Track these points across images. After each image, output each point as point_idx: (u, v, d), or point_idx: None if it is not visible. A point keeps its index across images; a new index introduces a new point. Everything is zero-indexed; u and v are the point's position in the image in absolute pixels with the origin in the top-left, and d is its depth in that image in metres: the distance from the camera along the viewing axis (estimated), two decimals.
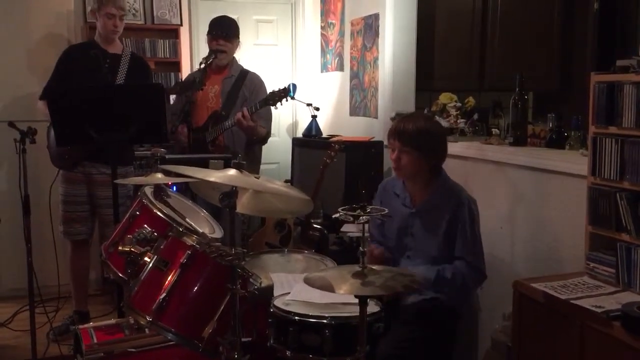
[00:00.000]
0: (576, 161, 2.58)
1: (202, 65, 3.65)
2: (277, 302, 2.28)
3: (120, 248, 2.18)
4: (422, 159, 2.50)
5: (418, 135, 2.48)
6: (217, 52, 3.72)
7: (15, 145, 2.88)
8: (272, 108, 3.62)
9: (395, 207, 2.59)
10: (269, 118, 3.80)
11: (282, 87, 3.51)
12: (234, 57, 3.89)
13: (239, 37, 3.86)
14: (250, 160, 3.74)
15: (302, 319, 2.18)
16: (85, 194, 3.61)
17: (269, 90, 3.67)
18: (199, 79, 3.60)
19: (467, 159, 3.24)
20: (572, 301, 2.14)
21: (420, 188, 2.57)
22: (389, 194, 2.67)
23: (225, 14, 3.94)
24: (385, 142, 3.90)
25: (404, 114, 3.92)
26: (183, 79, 4.44)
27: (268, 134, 3.84)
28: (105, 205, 3.55)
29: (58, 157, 3.53)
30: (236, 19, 3.91)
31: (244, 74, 3.86)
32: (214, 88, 3.82)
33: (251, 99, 3.71)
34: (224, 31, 3.75)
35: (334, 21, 4.80)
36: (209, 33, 3.80)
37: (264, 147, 4.06)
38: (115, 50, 3.67)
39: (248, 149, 3.79)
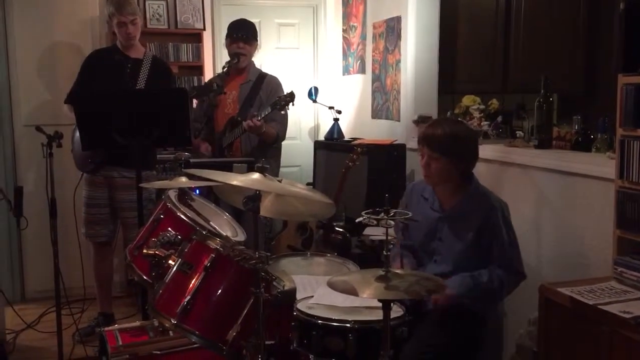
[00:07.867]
0: (603, 164, 2.55)
1: (225, 69, 3.67)
2: (301, 306, 2.28)
3: (144, 251, 2.20)
4: (451, 165, 2.45)
5: (447, 141, 2.43)
6: (238, 55, 3.74)
7: (42, 149, 2.93)
8: (283, 112, 3.62)
9: (423, 210, 2.56)
10: (282, 121, 3.79)
11: (287, 92, 3.52)
12: (252, 61, 3.90)
13: (257, 39, 3.87)
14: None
15: (325, 322, 2.18)
16: (106, 197, 3.65)
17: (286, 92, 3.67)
18: (218, 83, 3.63)
19: (491, 161, 3.20)
20: (599, 306, 2.11)
21: (450, 193, 2.53)
22: (417, 197, 2.64)
23: (247, 18, 3.96)
24: (408, 145, 3.91)
25: (426, 116, 3.92)
26: (202, 84, 4.46)
27: (279, 136, 3.81)
28: (126, 209, 3.59)
29: (81, 161, 3.57)
30: (258, 23, 3.94)
31: (262, 77, 3.87)
32: (231, 94, 3.84)
33: (267, 103, 3.70)
34: (244, 33, 3.77)
35: (355, 24, 4.80)
36: (228, 36, 3.82)
37: (285, 150, 4.06)
38: (136, 55, 3.69)
39: (262, 151, 3.78)
